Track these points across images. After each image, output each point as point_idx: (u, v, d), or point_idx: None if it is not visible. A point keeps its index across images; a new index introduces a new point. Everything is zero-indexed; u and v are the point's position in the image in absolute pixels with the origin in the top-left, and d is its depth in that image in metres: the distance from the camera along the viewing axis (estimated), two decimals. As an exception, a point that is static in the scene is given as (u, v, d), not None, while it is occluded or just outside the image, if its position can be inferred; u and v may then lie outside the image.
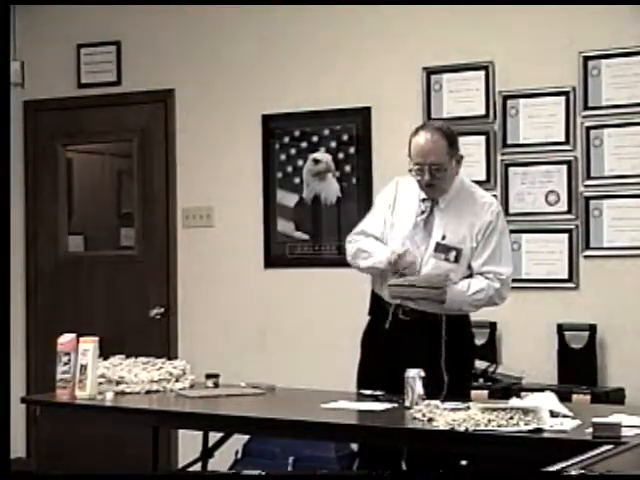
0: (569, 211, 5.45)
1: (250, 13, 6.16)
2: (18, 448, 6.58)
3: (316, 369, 5.76)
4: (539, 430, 3.35)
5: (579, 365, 5.26)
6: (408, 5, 5.73)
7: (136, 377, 4.41)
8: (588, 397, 5.01)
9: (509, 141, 5.58)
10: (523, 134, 5.55)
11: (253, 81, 6.19)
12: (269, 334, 6.12)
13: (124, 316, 6.52)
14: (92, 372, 4.20)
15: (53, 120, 6.75)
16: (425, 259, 4.15)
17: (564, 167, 5.45)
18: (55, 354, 4.26)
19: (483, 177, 5.56)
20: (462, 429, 3.39)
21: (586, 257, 5.41)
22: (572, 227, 5.43)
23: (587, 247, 5.40)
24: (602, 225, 5.37)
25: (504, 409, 3.44)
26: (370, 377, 4.20)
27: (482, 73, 5.63)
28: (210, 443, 4.57)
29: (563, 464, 2.27)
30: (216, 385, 4.50)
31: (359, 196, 5.87)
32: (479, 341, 5.33)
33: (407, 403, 3.79)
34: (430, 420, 3.55)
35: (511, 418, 3.40)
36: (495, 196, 5.39)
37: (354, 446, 5.33)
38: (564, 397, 4.08)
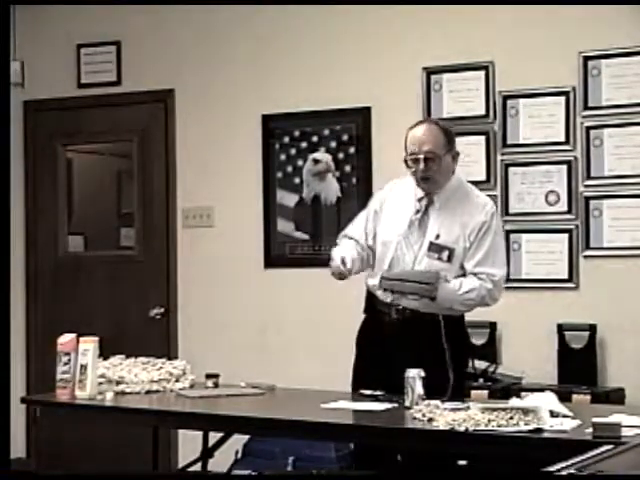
0: (569, 211, 5.45)
1: (250, 13, 6.16)
2: (18, 448, 6.58)
3: (316, 369, 5.76)
4: (539, 430, 3.35)
5: (579, 365, 5.26)
6: (408, 5, 5.73)
7: (136, 377, 4.41)
8: (588, 397, 5.01)
9: (509, 141, 5.58)
10: (523, 134, 5.55)
11: (253, 81, 6.19)
12: (269, 334, 6.12)
13: (124, 316, 6.51)
14: (92, 372, 4.20)
15: (53, 120, 6.75)
16: (419, 258, 4.15)
17: (564, 167, 5.45)
18: (55, 354, 4.26)
19: (483, 177, 5.56)
20: (462, 429, 3.39)
21: (586, 257, 5.41)
22: (572, 227, 5.43)
23: (587, 247, 5.40)
24: (602, 225, 5.37)
25: (504, 409, 3.44)
26: (364, 375, 4.20)
27: (482, 73, 5.63)
28: (210, 443, 4.57)
29: (563, 464, 2.27)
30: (216, 385, 4.50)
31: (359, 196, 5.86)
32: (479, 341, 5.34)
33: (407, 403, 3.79)
34: (430, 420, 3.55)
35: (511, 418, 3.40)
36: (495, 196, 5.41)
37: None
38: (564, 397, 4.08)
